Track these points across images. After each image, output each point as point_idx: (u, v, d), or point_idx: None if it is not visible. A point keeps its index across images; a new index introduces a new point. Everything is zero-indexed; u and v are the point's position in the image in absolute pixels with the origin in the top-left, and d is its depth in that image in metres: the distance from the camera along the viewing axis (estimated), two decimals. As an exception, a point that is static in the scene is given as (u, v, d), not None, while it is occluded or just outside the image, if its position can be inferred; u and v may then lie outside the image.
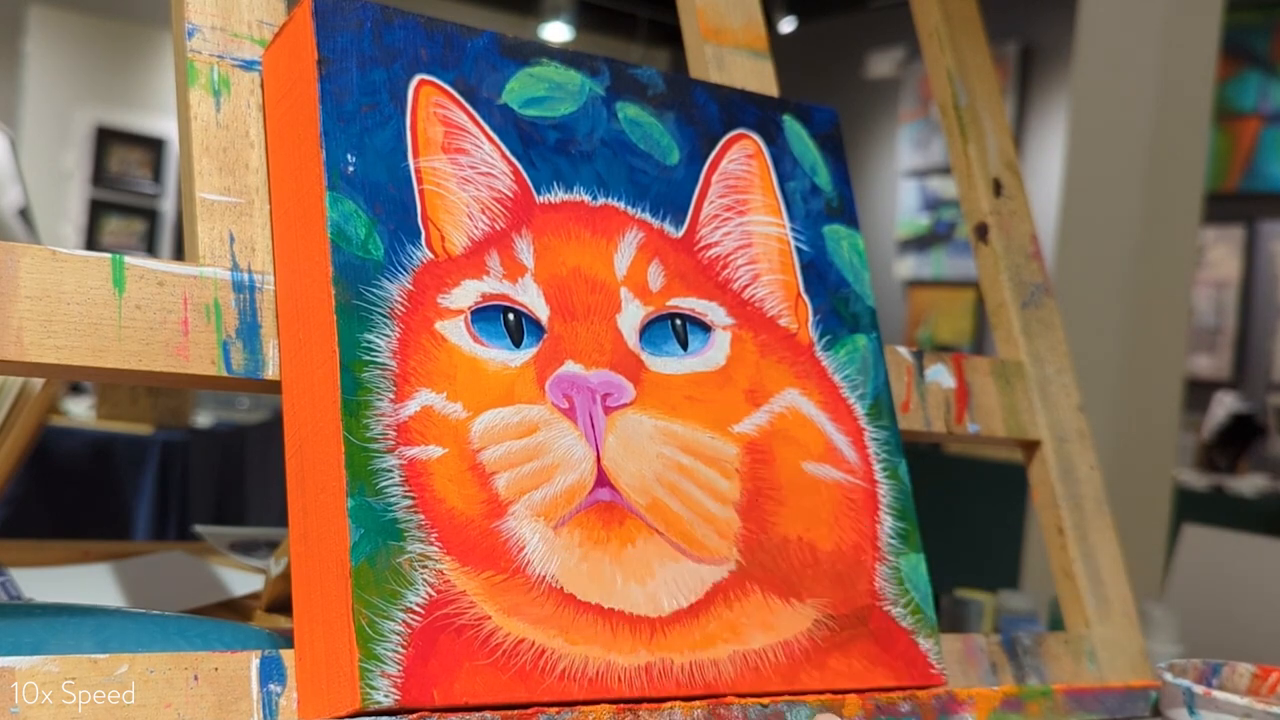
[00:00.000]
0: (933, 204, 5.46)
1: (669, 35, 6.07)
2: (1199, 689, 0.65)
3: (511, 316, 0.58)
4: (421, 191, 0.58)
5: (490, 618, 0.52)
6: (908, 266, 5.53)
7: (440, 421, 0.54)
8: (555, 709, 0.52)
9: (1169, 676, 0.68)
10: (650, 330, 0.61)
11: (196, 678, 0.49)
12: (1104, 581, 0.80)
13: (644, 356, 0.61)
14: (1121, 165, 2.19)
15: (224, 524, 1.36)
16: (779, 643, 0.59)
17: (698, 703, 0.55)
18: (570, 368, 0.58)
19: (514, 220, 0.60)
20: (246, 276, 0.57)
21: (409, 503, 0.52)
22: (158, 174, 5.71)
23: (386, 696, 0.49)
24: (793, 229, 0.69)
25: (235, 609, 0.92)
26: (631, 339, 0.61)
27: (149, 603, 0.91)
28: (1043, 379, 0.83)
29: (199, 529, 1.12)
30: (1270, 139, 4.50)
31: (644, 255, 0.63)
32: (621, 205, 0.63)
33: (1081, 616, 0.79)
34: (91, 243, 5.49)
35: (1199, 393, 4.04)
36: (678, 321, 0.62)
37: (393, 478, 0.52)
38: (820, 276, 0.69)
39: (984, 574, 2.25)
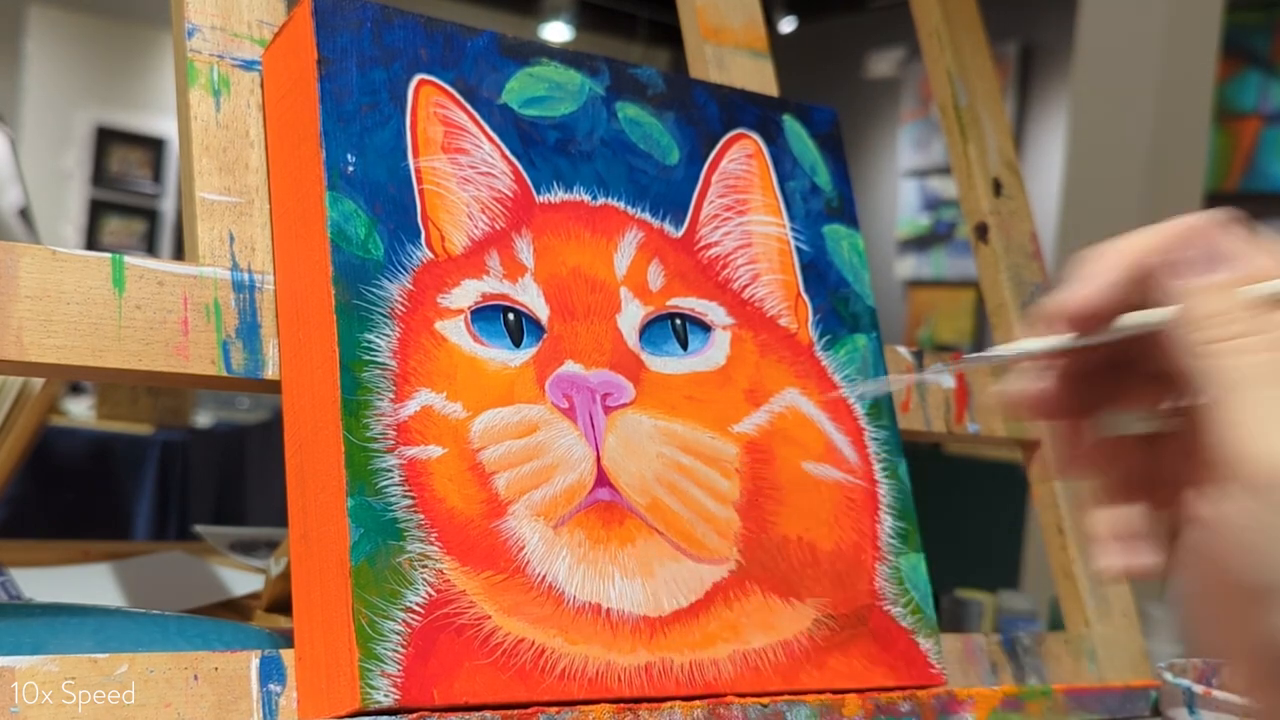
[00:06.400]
0: (933, 204, 5.46)
1: (669, 35, 6.06)
2: (1199, 689, 0.65)
3: (511, 316, 0.58)
4: (421, 191, 0.58)
5: (490, 617, 0.52)
6: (908, 266, 5.53)
7: (440, 421, 0.54)
8: (555, 709, 0.52)
9: (1169, 676, 0.68)
10: (650, 330, 0.61)
11: (196, 678, 0.49)
12: (1104, 581, 0.80)
13: (644, 356, 0.61)
14: (1121, 165, 2.18)
15: (224, 524, 1.36)
16: (779, 642, 0.59)
17: (698, 702, 0.55)
18: (570, 367, 0.58)
19: (514, 220, 0.60)
20: (246, 276, 0.57)
21: (409, 502, 0.52)
22: (158, 174, 5.70)
23: (386, 696, 0.49)
24: (793, 229, 0.69)
25: (235, 609, 0.92)
26: (631, 339, 0.60)
27: (149, 603, 0.91)
28: (1043, 379, 0.83)
29: (199, 529, 1.12)
30: (1270, 139, 4.50)
31: (644, 255, 0.63)
32: (621, 205, 0.63)
33: (1081, 616, 0.79)
34: (91, 243, 5.48)
35: (1199, 393, 4.03)
36: (678, 321, 0.62)
37: (393, 477, 0.52)
38: (820, 276, 0.69)
39: (984, 574, 2.25)
